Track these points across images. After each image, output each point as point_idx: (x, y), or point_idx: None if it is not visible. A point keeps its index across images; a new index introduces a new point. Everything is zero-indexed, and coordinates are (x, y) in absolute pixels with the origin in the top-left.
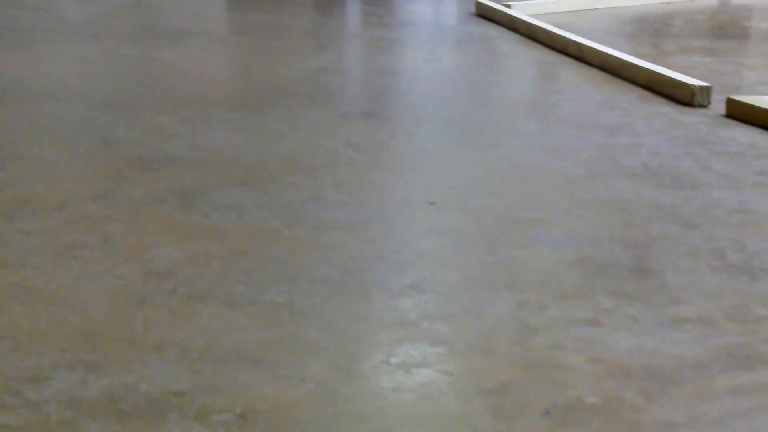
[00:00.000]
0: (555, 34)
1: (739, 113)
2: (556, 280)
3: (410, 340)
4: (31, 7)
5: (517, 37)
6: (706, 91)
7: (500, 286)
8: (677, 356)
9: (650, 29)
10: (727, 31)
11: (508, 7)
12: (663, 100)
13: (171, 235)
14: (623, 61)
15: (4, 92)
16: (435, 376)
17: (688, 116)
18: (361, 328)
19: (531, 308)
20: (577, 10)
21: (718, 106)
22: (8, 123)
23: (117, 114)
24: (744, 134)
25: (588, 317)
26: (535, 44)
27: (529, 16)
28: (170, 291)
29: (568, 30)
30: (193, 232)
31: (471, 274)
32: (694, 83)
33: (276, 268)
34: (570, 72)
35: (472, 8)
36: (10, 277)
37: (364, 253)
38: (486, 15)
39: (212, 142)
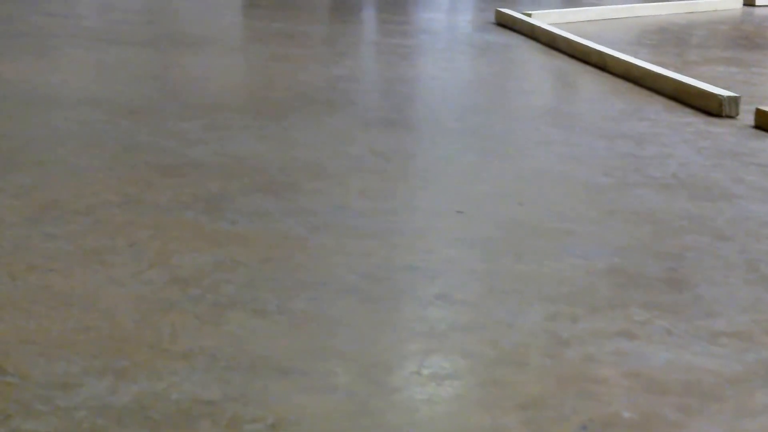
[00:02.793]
0: (577, 43)
1: None
2: (588, 292)
3: (441, 351)
4: (51, 13)
5: (538, 46)
6: (734, 101)
7: (531, 297)
8: (714, 371)
9: (673, 39)
10: (752, 41)
11: (529, 15)
12: (690, 111)
13: (197, 241)
14: (648, 70)
15: (26, 98)
16: (467, 389)
17: (717, 127)
18: (391, 338)
19: (563, 320)
20: (598, 20)
21: (746, 116)
22: (31, 128)
23: (139, 120)
24: None
25: (621, 329)
26: (556, 53)
27: (550, 25)
28: (197, 297)
29: (589, 39)
30: (219, 239)
31: (501, 285)
32: (722, 93)
33: (303, 276)
34: (593, 81)
35: (492, 17)
36: (37, 281)
37: (391, 262)
38: (506, 24)
39: (235, 149)
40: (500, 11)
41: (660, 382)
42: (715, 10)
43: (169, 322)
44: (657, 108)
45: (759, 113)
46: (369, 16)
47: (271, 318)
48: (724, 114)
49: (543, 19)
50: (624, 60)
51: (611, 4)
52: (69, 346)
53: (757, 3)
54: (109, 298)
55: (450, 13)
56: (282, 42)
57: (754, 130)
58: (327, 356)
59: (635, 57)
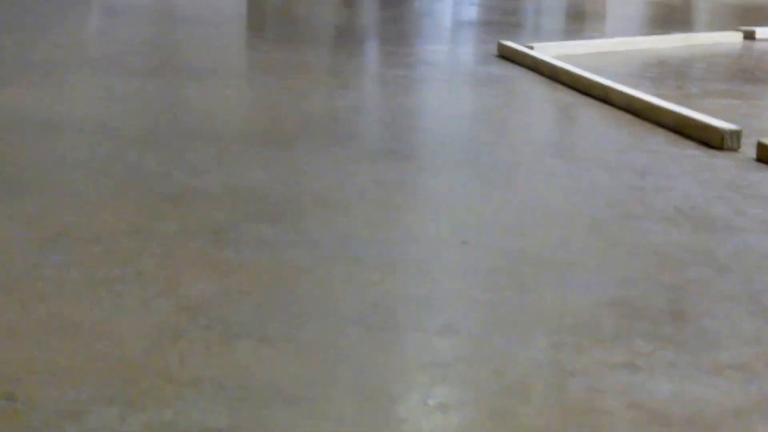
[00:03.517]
0: (579, 75)
1: None
2: (592, 323)
3: (447, 381)
4: (60, 44)
5: (540, 78)
6: (736, 134)
7: (535, 328)
8: (718, 403)
9: (674, 72)
10: (752, 74)
11: (531, 48)
12: (691, 143)
13: (204, 270)
14: (650, 103)
15: (35, 126)
16: (473, 419)
17: (718, 159)
18: (396, 368)
19: (567, 351)
20: (599, 53)
21: (748, 149)
22: (40, 156)
23: (146, 148)
24: None
25: (625, 361)
26: (559, 86)
27: (553, 57)
28: (205, 326)
29: (591, 72)
30: (226, 268)
31: (505, 316)
32: (723, 126)
33: (309, 306)
34: (595, 114)
35: (494, 49)
36: (47, 310)
37: (397, 292)
38: (508, 56)
39: (241, 178)
40: (503, 44)
41: (664, 414)
42: (716, 44)
43: (177, 351)
44: (659, 140)
45: (760, 146)
46: (372, 47)
47: (278, 347)
48: (725, 147)
49: (545, 51)
50: (626, 93)
51: (612, 37)
52: (78, 374)
53: (757, 37)
54: (118, 326)
55: (453, 45)
56: (286, 72)
57: (755, 163)
58: (333, 385)
59: (637, 89)
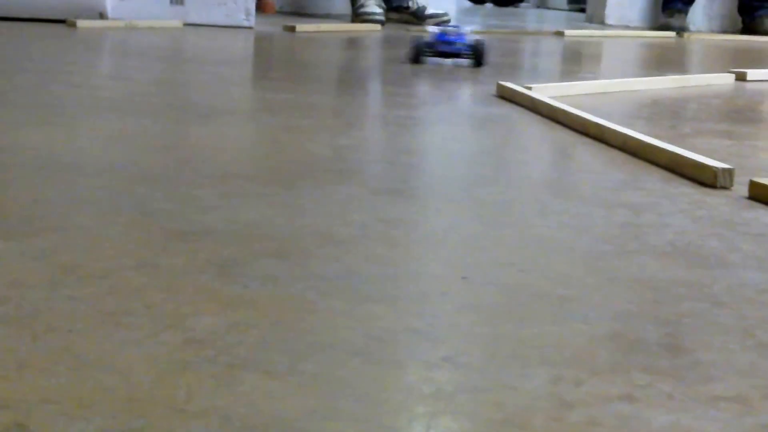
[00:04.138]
0: (575, 115)
1: (762, 195)
2: (590, 356)
3: (448, 412)
4: (71, 84)
5: (538, 118)
6: (728, 173)
7: (534, 361)
8: None
9: (667, 112)
10: (744, 115)
11: (529, 89)
12: (685, 182)
13: (210, 305)
14: (644, 142)
15: (45, 165)
16: None
17: (712, 197)
18: (398, 400)
19: (566, 383)
20: (595, 93)
21: (740, 188)
22: (49, 195)
23: (154, 187)
24: None
25: (623, 393)
26: (556, 125)
27: (550, 98)
28: (211, 359)
29: (587, 111)
30: (232, 302)
31: (505, 349)
32: (716, 165)
33: (313, 339)
34: (591, 153)
35: (493, 89)
36: (58, 343)
37: (399, 326)
38: (507, 96)
39: (247, 216)
40: (501, 84)
41: None
42: (708, 85)
43: (185, 383)
44: (654, 179)
45: (753, 185)
46: (375, 88)
47: (283, 379)
48: (718, 185)
49: (543, 92)
50: (621, 132)
51: (608, 78)
52: (88, 406)
53: (748, 78)
54: (126, 358)
55: (453, 85)
56: (290, 113)
57: (748, 201)
58: (337, 417)
59: (632, 129)
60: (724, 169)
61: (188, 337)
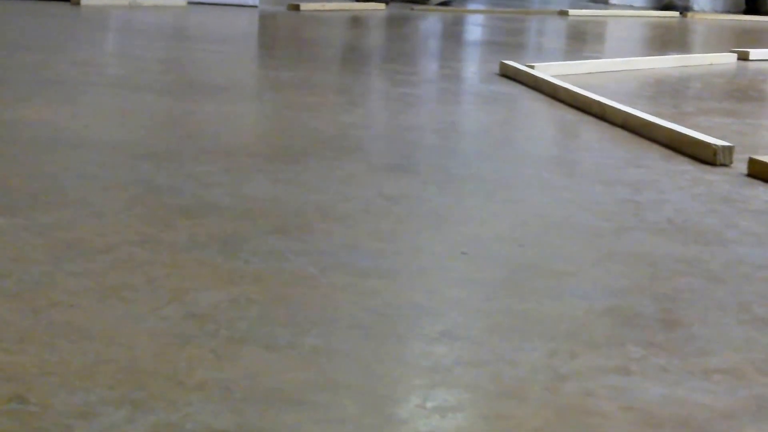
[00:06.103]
0: (578, 93)
1: (761, 173)
2: (586, 330)
3: (445, 385)
4: (78, 62)
5: (540, 96)
6: (728, 150)
7: (532, 335)
8: (708, 406)
9: (670, 91)
10: (745, 93)
11: (532, 67)
12: (685, 159)
13: (212, 279)
14: (645, 120)
15: (50, 142)
16: (470, 421)
17: (711, 175)
18: (397, 373)
19: (562, 356)
20: (597, 72)
21: (740, 165)
22: (55, 171)
23: (158, 163)
24: (767, 193)
25: (618, 366)
26: (558, 104)
27: (552, 76)
28: (212, 332)
29: (590, 90)
30: (234, 277)
31: (503, 323)
32: (716, 143)
33: (314, 313)
34: (592, 130)
35: (496, 68)
36: (59, 317)
37: (398, 300)
38: (510, 75)
39: (250, 191)
40: (504, 63)
41: (655, 416)
42: (711, 64)
43: (186, 356)
44: (654, 156)
45: (752, 162)
46: (378, 66)
47: (283, 352)
48: (718, 162)
49: (545, 71)
50: (623, 110)
51: (610, 57)
52: (88, 378)
53: (750, 58)
54: (128, 332)
55: (456, 64)
56: (294, 90)
57: (747, 178)
58: (336, 389)
59: (633, 107)
60: (723, 147)
61: (190, 312)
